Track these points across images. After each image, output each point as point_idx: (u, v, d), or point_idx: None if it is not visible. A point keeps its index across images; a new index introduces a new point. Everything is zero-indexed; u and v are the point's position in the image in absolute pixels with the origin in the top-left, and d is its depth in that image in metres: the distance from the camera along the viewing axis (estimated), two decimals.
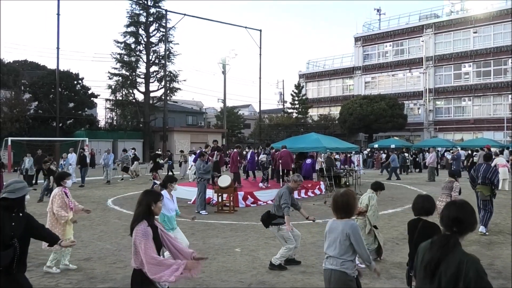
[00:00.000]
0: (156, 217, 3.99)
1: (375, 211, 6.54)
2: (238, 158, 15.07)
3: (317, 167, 17.08)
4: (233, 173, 14.22)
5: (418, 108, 39.43)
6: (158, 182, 12.47)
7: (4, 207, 3.58)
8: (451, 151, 24.50)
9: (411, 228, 3.96)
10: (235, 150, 15.24)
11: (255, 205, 12.52)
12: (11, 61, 45.45)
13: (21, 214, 3.74)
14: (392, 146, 32.41)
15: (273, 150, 15.45)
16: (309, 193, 14.89)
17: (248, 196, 12.69)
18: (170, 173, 18.84)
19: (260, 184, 14.19)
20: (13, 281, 3.53)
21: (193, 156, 18.77)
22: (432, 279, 2.38)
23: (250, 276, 5.79)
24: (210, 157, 13.85)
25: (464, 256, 2.33)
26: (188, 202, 12.70)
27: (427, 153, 27.07)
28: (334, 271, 3.50)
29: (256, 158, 15.41)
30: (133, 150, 22.80)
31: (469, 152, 25.59)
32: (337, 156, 20.61)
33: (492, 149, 20.34)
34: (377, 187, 6.75)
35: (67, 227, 5.98)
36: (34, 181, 17.69)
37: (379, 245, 6.52)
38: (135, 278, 3.31)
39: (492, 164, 9.52)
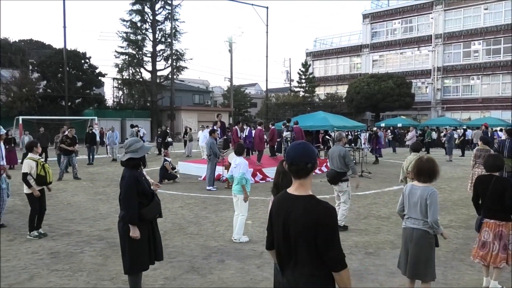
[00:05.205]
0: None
1: None
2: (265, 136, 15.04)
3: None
4: (257, 151, 14.39)
5: (426, 87, 39.14)
6: (169, 159, 12.86)
7: (133, 167, 3.99)
8: (449, 131, 24.53)
9: (483, 182, 4.42)
10: (258, 127, 14.73)
11: (264, 181, 12.84)
12: (17, 40, 45.53)
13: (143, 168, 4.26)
14: (399, 125, 32.48)
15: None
16: (316, 171, 15.12)
17: (257, 172, 13.00)
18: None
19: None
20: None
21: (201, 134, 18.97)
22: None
23: (261, 246, 6.08)
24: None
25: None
26: (199, 179, 13.08)
27: (433, 133, 27.16)
28: (416, 229, 3.88)
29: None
30: (141, 128, 22.92)
31: (462, 130, 26.25)
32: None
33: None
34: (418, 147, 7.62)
35: None
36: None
37: None
38: None
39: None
